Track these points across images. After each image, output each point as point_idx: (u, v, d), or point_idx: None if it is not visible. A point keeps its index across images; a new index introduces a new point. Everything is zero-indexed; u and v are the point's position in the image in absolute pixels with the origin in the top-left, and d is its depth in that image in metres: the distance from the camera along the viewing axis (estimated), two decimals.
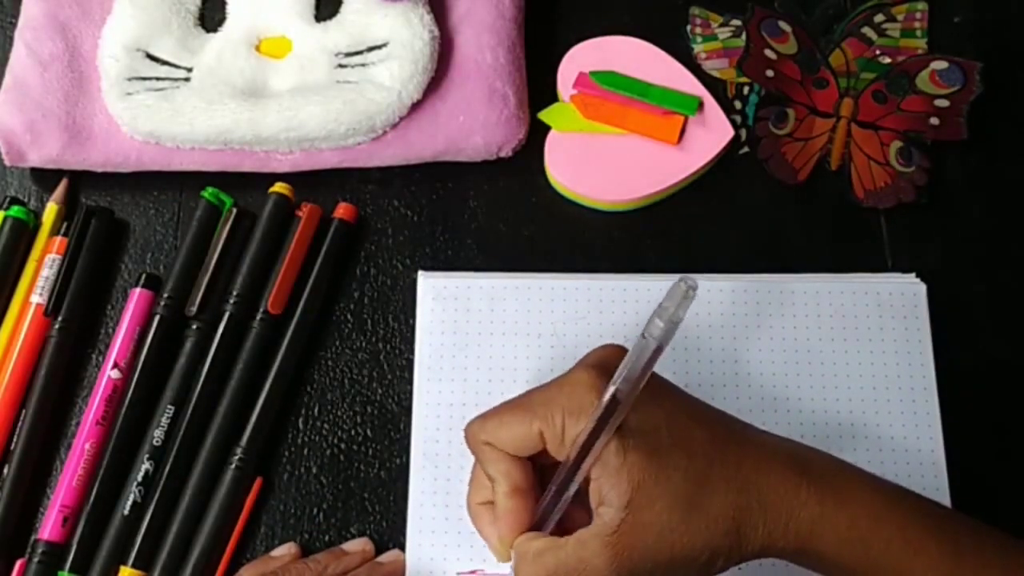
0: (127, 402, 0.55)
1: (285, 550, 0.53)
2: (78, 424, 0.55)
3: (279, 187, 0.59)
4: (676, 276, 0.55)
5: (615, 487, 0.43)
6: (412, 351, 0.57)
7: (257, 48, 0.61)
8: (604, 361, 0.45)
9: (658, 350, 0.42)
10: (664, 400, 0.45)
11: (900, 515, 0.44)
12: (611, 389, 0.42)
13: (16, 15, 0.62)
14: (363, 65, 0.60)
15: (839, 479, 0.45)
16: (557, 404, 0.44)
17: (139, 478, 0.53)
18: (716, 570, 0.44)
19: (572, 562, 0.44)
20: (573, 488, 0.45)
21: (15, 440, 0.54)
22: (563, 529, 0.46)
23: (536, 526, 0.46)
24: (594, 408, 0.43)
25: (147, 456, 0.54)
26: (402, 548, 0.53)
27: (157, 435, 0.54)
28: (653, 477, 0.43)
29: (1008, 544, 0.45)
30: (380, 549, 0.54)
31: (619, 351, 0.46)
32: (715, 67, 0.63)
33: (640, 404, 0.43)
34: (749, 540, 0.44)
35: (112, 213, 0.60)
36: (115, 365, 0.55)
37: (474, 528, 0.48)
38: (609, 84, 0.61)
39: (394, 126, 0.60)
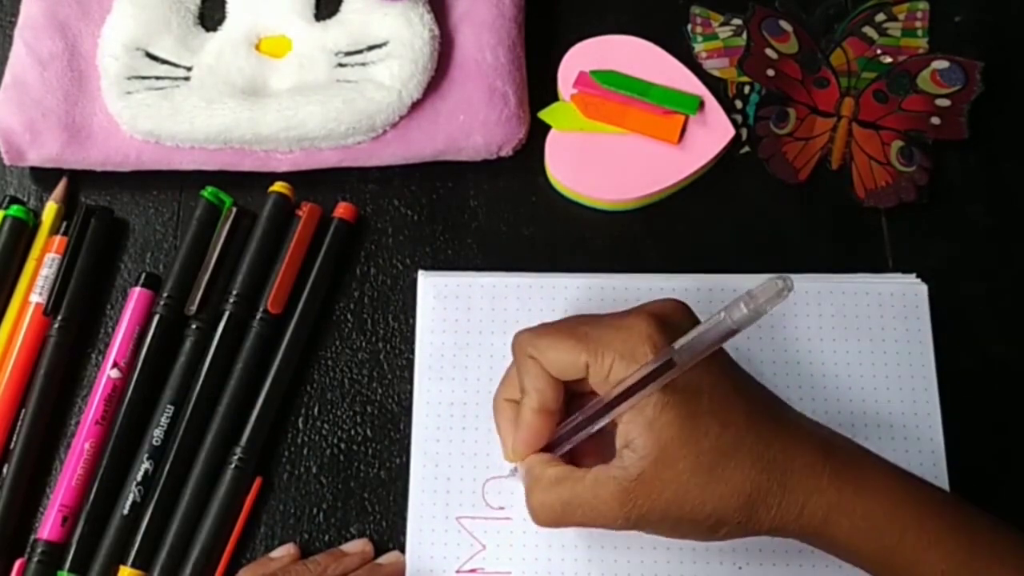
0: (127, 402, 0.55)
1: (284, 551, 0.53)
2: (78, 424, 0.55)
3: (279, 186, 0.59)
4: (676, 276, 0.57)
5: (644, 437, 0.44)
6: (412, 351, 0.57)
7: (257, 47, 0.61)
8: (664, 314, 0.46)
9: (731, 333, 0.42)
10: (713, 365, 0.45)
11: (917, 506, 0.45)
12: (670, 353, 0.43)
13: (16, 14, 0.62)
14: (363, 64, 0.60)
15: (860, 467, 0.45)
16: (610, 345, 0.45)
17: (139, 478, 0.53)
18: (719, 537, 0.45)
19: (587, 496, 0.45)
20: (600, 424, 0.46)
21: (15, 440, 0.54)
22: (571, 456, 0.47)
23: (549, 447, 0.47)
24: (646, 361, 0.44)
25: (147, 456, 0.54)
26: (402, 548, 0.53)
27: (157, 435, 0.54)
28: (683, 438, 0.44)
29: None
30: (380, 549, 0.54)
31: (681, 307, 0.47)
32: (716, 66, 0.63)
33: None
34: (760, 518, 0.44)
35: (112, 212, 0.60)
36: (115, 364, 0.55)
37: (494, 420, 0.50)
38: (609, 83, 0.60)
39: (394, 125, 0.60)
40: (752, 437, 0.44)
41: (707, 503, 0.44)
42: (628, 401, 0.44)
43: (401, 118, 0.59)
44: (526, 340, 0.47)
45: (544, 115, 0.61)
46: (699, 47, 0.63)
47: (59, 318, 0.56)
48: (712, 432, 0.44)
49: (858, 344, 0.56)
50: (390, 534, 0.54)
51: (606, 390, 0.45)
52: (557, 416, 0.47)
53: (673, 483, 0.44)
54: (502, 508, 0.53)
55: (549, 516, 0.46)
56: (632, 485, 0.44)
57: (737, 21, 0.63)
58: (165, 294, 0.57)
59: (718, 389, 0.45)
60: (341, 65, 0.60)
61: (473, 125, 0.59)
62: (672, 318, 0.46)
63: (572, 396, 0.48)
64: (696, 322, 0.47)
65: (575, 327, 0.47)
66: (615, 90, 0.60)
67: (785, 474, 0.44)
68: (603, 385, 0.45)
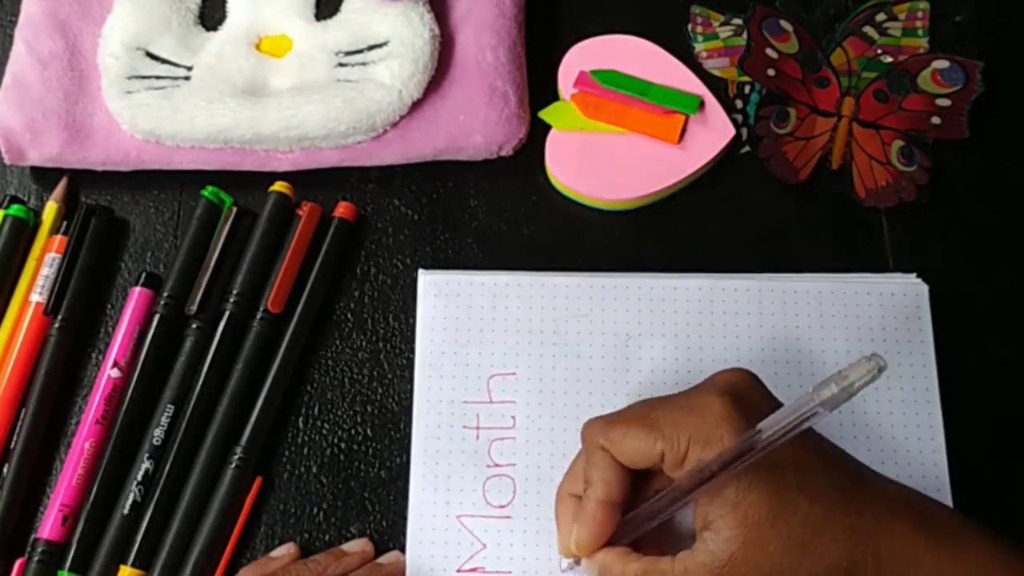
0: (127, 401, 0.55)
1: (284, 551, 0.53)
2: (78, 423, 0.55)
3: (279, 186, 0.59)
4: (676, 275, 0.57)
5: (729, 519, 0.43)
6: (412, 350, 0.57)
7: (257, 47, 0.61)
8: (736, 389, 0.45)
9: (818, 415, 0.41)
10: (795, 438, 0.44)
11: (1015, 570, 0.44)
12: (754, 435, 0.42)
13: (16, 13, 0.62)
14: (363, 64, 0.60)
15: (958, 534, 0.44)
16: (685, 429, 0.44)
17: (139, 477, 0.53)
18: None
19: None
20: (673, 511, 0.45)
21: (15, 439, 0.54)
22: (633, 545, 0.46)
23: (613, 537, 0.46)
24: (723, 444, 0.42)
25: (147, 455, 0.54)
26: (402, 548, 0.53)
27: (157, 434, 0.54)
28: (772, 517, 0.43)
29: None
30: (380, 548, 0.54)
31: (748, 377, 0.46)
32: (716, 66, 0.63)
33: None
34: None
35: (112, 212, 0.60)
36: (115, 364, 0.55)
37: (555, 513, 0.49)
38: (610, 83, 0.60)
39: (394, 125, 0.60)
40: (842, 510, 0.43)
41: None
42: (706, 486, 0.43)
43: (401, 118, 0.59)
44: (597, 430, 0.46)
45: (544, 115, 0.61)
46: (699, 47, 0.63)
47: (59, 318, 0.56)
48: (801, 509, 0.43)
49: (858, 344, 0.56)
50: (390, 534, 0.54)
51: (680, 475, 0.44)
52: (622, 508, 0.46)
53: (766, 564, 0.43)
54: (503, 507, 0.53)
55: None
56: (724, 570, 0.43)
57: (737, 21, 0.63)
58: (165, 294, 0.57)
59: (803, 463, 0.44)
60: (341, 65, 0.60)
61: (473, 125, 0.59)
62: (743, 392, 0.45)
63: (637, 480, 0.47)
64: (764, 390, 0.46)
65: (647, 414, 0.45)
66: (615, 90, 0.60)
67: (879, 545, 0.43)
68: (677, 471, 0.44)
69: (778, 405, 0.45)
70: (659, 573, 0.44)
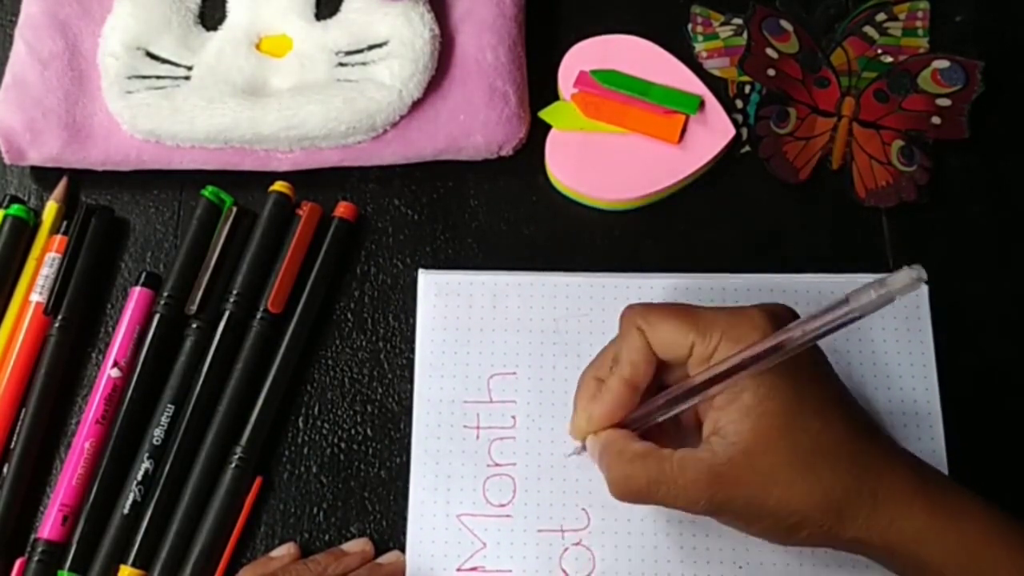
0: (127, 401, 0.55)
1: (284, 550, 0.53)
2: (78, 423, 0.55)
3: (279, 186, 0.59)
4: (676, 275, 0.57)
5: (739, 424, 0.44)
6: (413, 350, 0.57)
7: (257, 46, 0.61)
8: (777, 313, 0.46)
9: (852, 320, 0.41)
10: (817, 368, 0.45)
11: (1011, 539, 0.44)
12: (784, 335, 0.42)
13: (16, 13, 0.62)
14: (363, 64, 0.60)
15: (955, 494, 0.45)
16: (719, 326, 0.45)
17: (139, 477, 0.53)
18: (797, 539, 0.45)
19: (673, 475, 0.44)
20: (687, 405, 0.46)
21: (15, 439, 0.54)
22: (642, 434, 0.47)
23: (623, 425, 0.47)
24: (752, 344, 0.43)
25: (147, 455, 0.54)
26: (402, 547, 0.53)
27: (157, 434, 0.54)
28: (782, 429, 0.44)
29: None
30: (380, 548, 0.54)
31: (792, 312, 0.47)
32: (716, 66, 0.63)
33: (796, 357, 0.43)
34: (846, 525, 0.44)
35: (112, 212, 0.60)
36: (115, 364, 0.55)
37: (574, 394, 0.49)
38: (610, 83, 0.60)
39: (394, 125, 0.60)
40: (850, 442, 0.44)
41: (794, 499, 0.44)
42: (725, 382, 0.44)
43: (401, 117, 0.59)
44: (637, 313, 0.47)
45: (544, 115, 0.61)
46: (700, 47, 0.63)
47: (59, 317, 0.56)
48: (812, 428, 0.44)
49: (859, 344, 0.56)
50: (390, 533, 0.54)
51: (703, 372, 0.45)
52: (640, 395, 0.47)
53: (763, 473, 0.44)
54: (503, 506, 0.53)
55: (631, 490, 0.46)
56: (722, 469, 0.44)
57: (737, 20, 0.63)
58: (165, 293, 0.57)
59: (820, 391, 0.45)
60: (342, 64, 0.60)
61: (473, 124, 0.59)
62: (783, 318, 0.45)
63: (655, 386, 0.48)
64: None
65: (687, 308, 0.47)
66: (615, 90, 0.60)
67: (877, 487, 0.44)
68: (702, 367, 0.45)
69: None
70: (657, 458, 0.45)
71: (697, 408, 0.47)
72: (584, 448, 0.49)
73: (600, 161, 0.60)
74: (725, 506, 0.45)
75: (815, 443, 0.44)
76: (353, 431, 0.56)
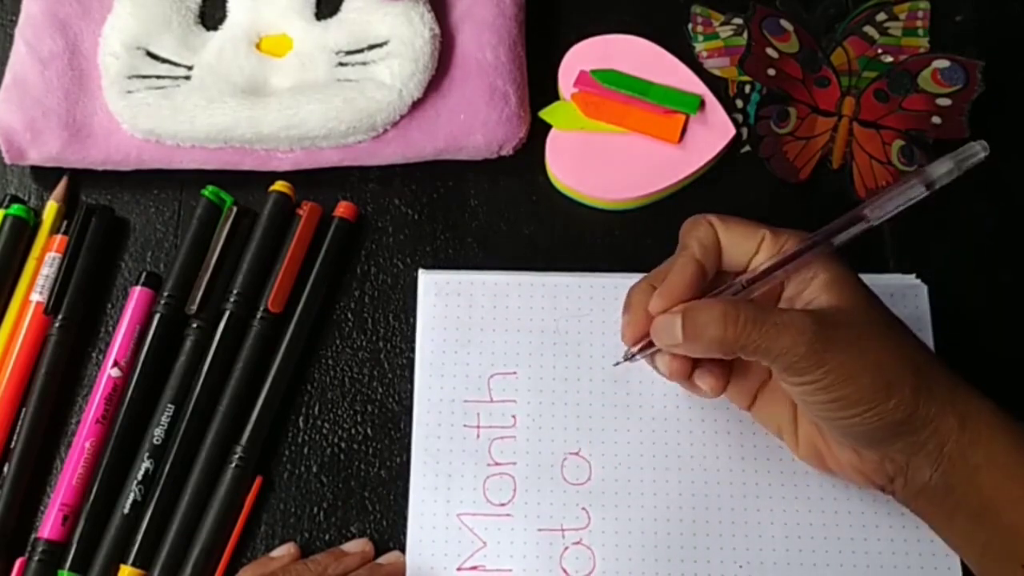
0: (127, 401, 0.55)
1: (284, 550, 0.53)
2: (78, 422, 0.55)
3: (279, 185, 0.59)
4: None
5: (824, 295, 0.46)
6: (413, 350, 0.57)
7: (257, 46, 0.61)
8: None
9: (925, 188, 0.43)
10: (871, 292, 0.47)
11: None
12: (863, 208, 0.44)
13: (16, 13, 0.62)
14: (364, 63, 0.60)
15: (981, 419, 0.46)
16: (788, 233, 0.47)
17: (139, 477, 0.53)
18: (888, 412, 0.44)
19: (776, 314, 0.44)
20: (760, 288, 0.47)
21: (15, 438, 0.54)
22: None
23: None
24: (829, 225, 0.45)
25: (147, 455, 0.54)
26: (402, 547, 0.53)
27: (157, 434, 0.54)
28: (866, 300, 0.46)
29: None
30: (380, 548, 0.54)
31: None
32: (716, 65, 0.63)
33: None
34: (931, 403, 0.45)
35: (112, 211, 0.60)
36: (115, 363, 0.55)
37: (625, 301, 0.49)
38: (610, 83, 0.60)
39: (395, 124, 0.60)
40: (911, 358, 0.46)
41: (883, 360, 0.44)
42: (804, 257, 0.45)
43: (402, 117, 0.59)
44: (705, 216, 0.48)
45: (545, 114, 0.61)
46: (700, 46, 0.63)
47: (60, 317, 0.56)
48: (884, 312, 0.46)
49: None
50: (391, 533, 0.54)
51: (777, 256, 0.46)
52: (704, 283, 0.47)
53: (856, 331, 0.45)
54: (503, 505, 0.53)
55: (732, 326, 0.44)
56: (824, 315, 0.45)
57: (738, 20, 0.63)
58: (166, 293, 0.57)
59: (892, 316, 0.47)
60: (342, 64, 0.60)
61: (474, 124, 0.59)
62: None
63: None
64: None
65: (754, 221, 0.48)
66: (616, 89, 0.60)
67: (956, 393, 0.46)
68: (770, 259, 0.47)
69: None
70: (756, 305, 0.45)
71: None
72: (634, 354, 0.49)
73: (600, 161, 0.60)
74: (827, 356, 0.44)
75: (890, 321, 0.46)
76: (353, 431, 0.56)
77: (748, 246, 0.47)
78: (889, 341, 0.45)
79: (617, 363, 0.52)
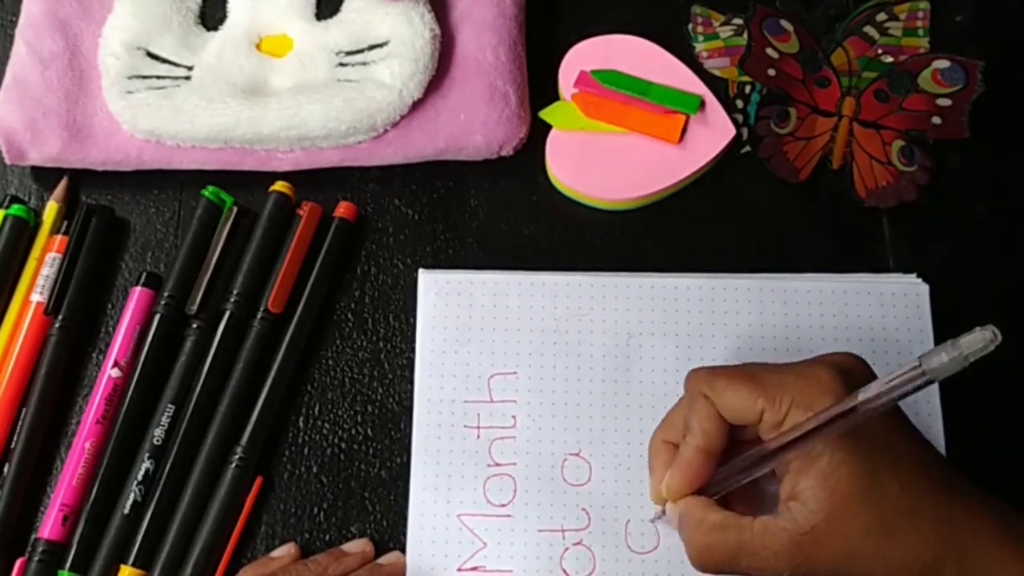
0: (127, 401, 0.55)
1: (285, 551, 0.53)
2: (78, 423, 0.55)
3: (280, 186, 0.59)
4: (676, 275, 0.57)
5: (817, 490, 0.43)
6: (413, 350, 0.57)
7: (258, 46, 0.61)
8: (846, 367, 0.45)
9: (925, 384, 0.40)
10: (891, 422, 0.44)
11: None
12: (856, 399, 0.41)
13: (16, 13, 0.62)
14: (364, 63, 0.60)
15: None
16: (789, 392, 0.44)
17: (139, 477, 0.53)
18: None
19: (755, 546, 0.43)
20: (763, 470, 0.45)
21: (15, 439, 0.54)
22: (720, 500, 0.47)
23: (702, 491, 0.47)
24: (825, 409, 0.42)
25: (147, 455, 0.54)
26: (402, 548, 0.53)
27: (157, 434, 0.54)
28: (861, 495, 0.42)
29: None
30: (381, 548, 0.54)
31: (861, 363, 0.45)
32: (716, 66, 0.63)
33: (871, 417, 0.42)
34: None
35: (113, 212, 0.60)
36: (115, 364, 0.55)
37: (648, 460, 0.49)
38: (610, 83, 0.60)
39: (395, 125, 0.60)
40: (931, 502, 0.43)
41: (879, 566, 0.42)
42: (799, 448, 0.43)
43: (402, 117, 0.59)
44: (702, 379, 0.46)
45: (545, 114, 0.61)
46: (700, 47, 0.63)
47: (60, 317, 0.56)
48: (891, 492, 0.42)
49: (859, 344, 0.56)
50: (391, 534, 0.54)
51: (777, 439, 0.44)
52: (716, 460, 0.46)
53: (847, 540, 0.42)
54: (503, 505, 0.53)
55: (712, 561, 0.45)
56: (804, 539, 0.43)
57: (738, 21, 0.63)
58: (166, 293, 0.57)
59: (897, 447, 0.44)
60: (342, 64, 0.60)
61: (474, 124, 0.59)
62: (853, 372, 0.44)
63: (730, 445, 0.47)
64: (875, 377, 0.45)
65: (754, 372, 0.46)
66: (616, 90, 0.60)
67: (964, 547, 0.42)
68: (773, 432, 0.44)
69: None
70: (737, 528, 0.44)
71: (775, 467, 0.46)
72: (664, 513, 0.49)
73: (600, 161, 0.60)
74: (809, 574, 0.43)
75: (895, 506, 0.42)
76: (353, 431, 0.56)
77: (749, 416, 0.45)
78: (887, 539, 0.42)
79: (652, 520, 0.52)
